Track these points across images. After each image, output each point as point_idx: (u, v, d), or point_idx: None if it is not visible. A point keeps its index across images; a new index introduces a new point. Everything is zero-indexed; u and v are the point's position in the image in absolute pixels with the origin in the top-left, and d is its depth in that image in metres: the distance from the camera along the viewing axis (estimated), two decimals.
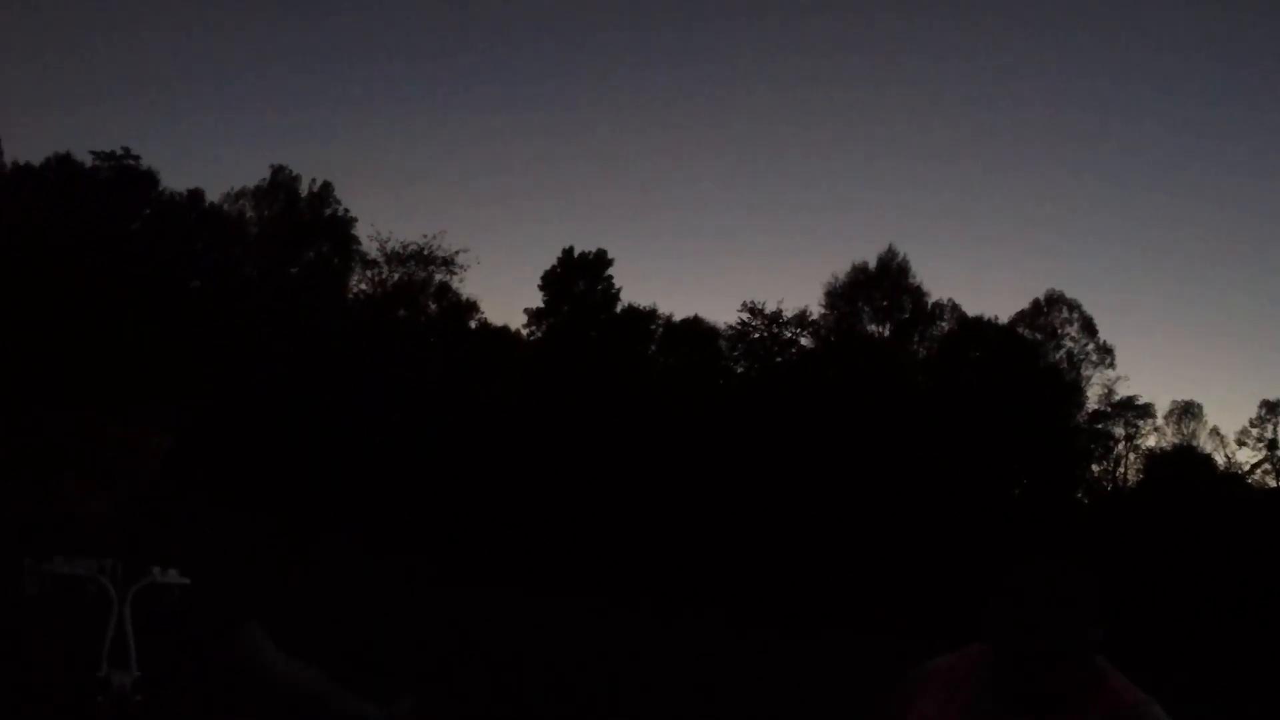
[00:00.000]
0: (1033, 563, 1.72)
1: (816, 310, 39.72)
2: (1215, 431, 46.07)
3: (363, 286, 38.81)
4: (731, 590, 29.04)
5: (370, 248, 38.71)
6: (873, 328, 39.91)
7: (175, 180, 50.62)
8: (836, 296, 39.65)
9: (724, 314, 68.99)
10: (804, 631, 23.03)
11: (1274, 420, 46.66)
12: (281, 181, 41.11)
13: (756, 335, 38.70)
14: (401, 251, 37.68)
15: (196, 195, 42.87)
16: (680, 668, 13.69)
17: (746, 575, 31.24)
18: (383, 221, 59.68)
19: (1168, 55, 66.80)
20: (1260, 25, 65.40)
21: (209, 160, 66.12)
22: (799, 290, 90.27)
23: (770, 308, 38.63)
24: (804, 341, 39.37)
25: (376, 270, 38.35)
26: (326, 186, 40.26)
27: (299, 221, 40.04)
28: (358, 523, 27.05)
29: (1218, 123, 67.60)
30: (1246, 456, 46.45)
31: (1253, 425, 46.40)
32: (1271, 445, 46.73)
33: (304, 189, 40.78)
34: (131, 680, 1.56)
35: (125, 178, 43.01)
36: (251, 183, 41.63)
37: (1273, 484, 46.59)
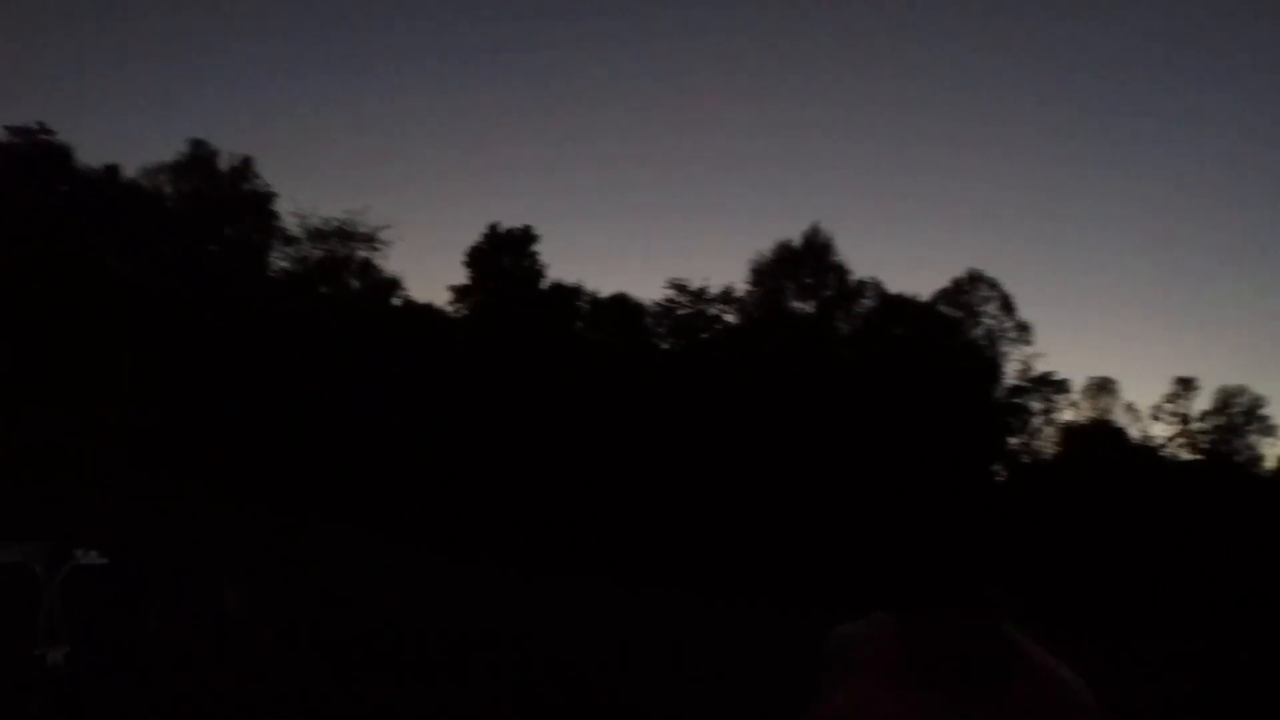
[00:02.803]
0: (951, 568, 1.68)
1: (742, 287, 40.12)
2: (1130, 407, 47.58)
3: (283, 264, 38.23)
4: (654, 562, 29.33)
5: (291, 224, 38.13)
6: (797, 304, 40.38)
7: (91, 156, 49.10)
8: (762, 274, 40.05)
9: (650, 291, 69.15)
10: (725, 605, 23.34)
11: (1187, 396, 48.34)
12: (200, 156, 40.24)
13: (682, 312, 38.95)
14: (324, 228, 37.18)
15: (113, 171, 41.81)
16: (563, 625, 13.84)
17: (665, 547, 31.55)
18: (304, 197, 58.62)
19: (1081, 35, 68.57)
20: (1172, 6, 67.29)
21: (126, 135, 64.38)
22: (725, 267, 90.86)
23: (696, 284, 38.95)
24: (729, 318, 39.75)
25: (298, 247, 37.79)
26: (246, 161, 39.52)
27: (218, 197, 39.26)
28: (289, 498, 26.85)
29: (1129, 104, 69.73)
30: (1160, 431, 48.09)
31: (1166, 401, 48.02)
32: (1184, 420, 48.41)
33: (223, 164, 39.97)
34: (62, 655, 1.61)
35: (40, 153, 41.77)
36: (169, 158, 40.72)
37: (1186, 457, 48.29)
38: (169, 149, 55.55)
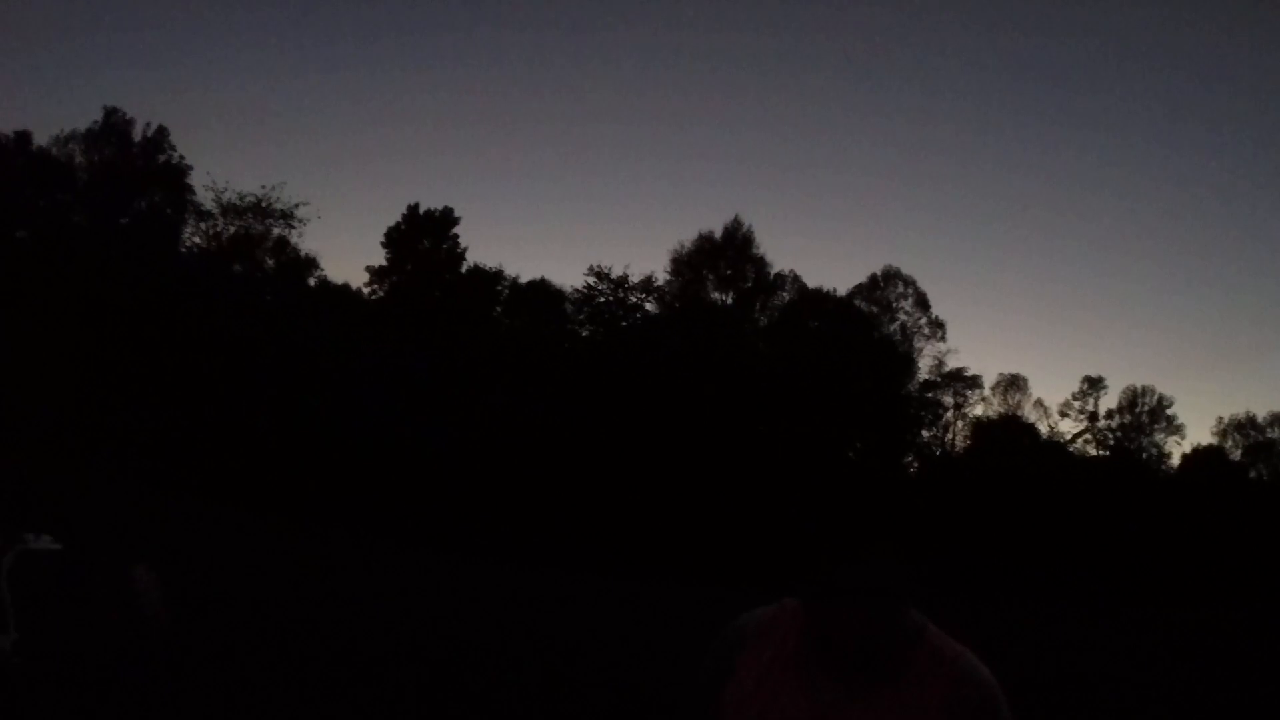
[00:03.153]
0: (850, 559, 1.65)
1: (662, 277, 40.43)
2: (1039, 403, 49.01)
3: (196, 239, 37.54)
4: (569, 548, 29.52)
5: (206, 198, 37.42)
6: (716, 295, 40.84)
7: (2, 121, 47.54)
8: (682, 264, 40.41)
9: (571, 277, 69.54)
10: (639, 588, 23.54)
11: (1095, 394, 49.90)
12: (114, 125, 39.32)
13: (602, 299, 39.10)
14: (239, 203, 36.51)
15: (24, 137, 40.65)
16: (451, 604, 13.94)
17: (581, 532, 31.77)
18: (220, 171, 56.96)
19: (998, 37, 69.95)
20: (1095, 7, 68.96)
21: (37, 100, 62.21)
22: (646, 257, 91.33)
23: (617, 272, 39.12)
24: (649, 307, 40.03)
25: (212, 222, 37.12)
26: (161, 131, 38.70)
27: (131, 168, 38.39)
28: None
29: (1042, 104, 71.42)
30: (1068, 427, 49.59)
31: (1075, 399, 49.55)
32: (1092, 417, 49.98)
33: (138, 134, 39.11)
34: (10, 643, 1.56)
35: None
36: (82, 126, 39.71)
37: (1093, 452, 49.91)
38: (83, 117, 54.09)
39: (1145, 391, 49.59)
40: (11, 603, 1.68)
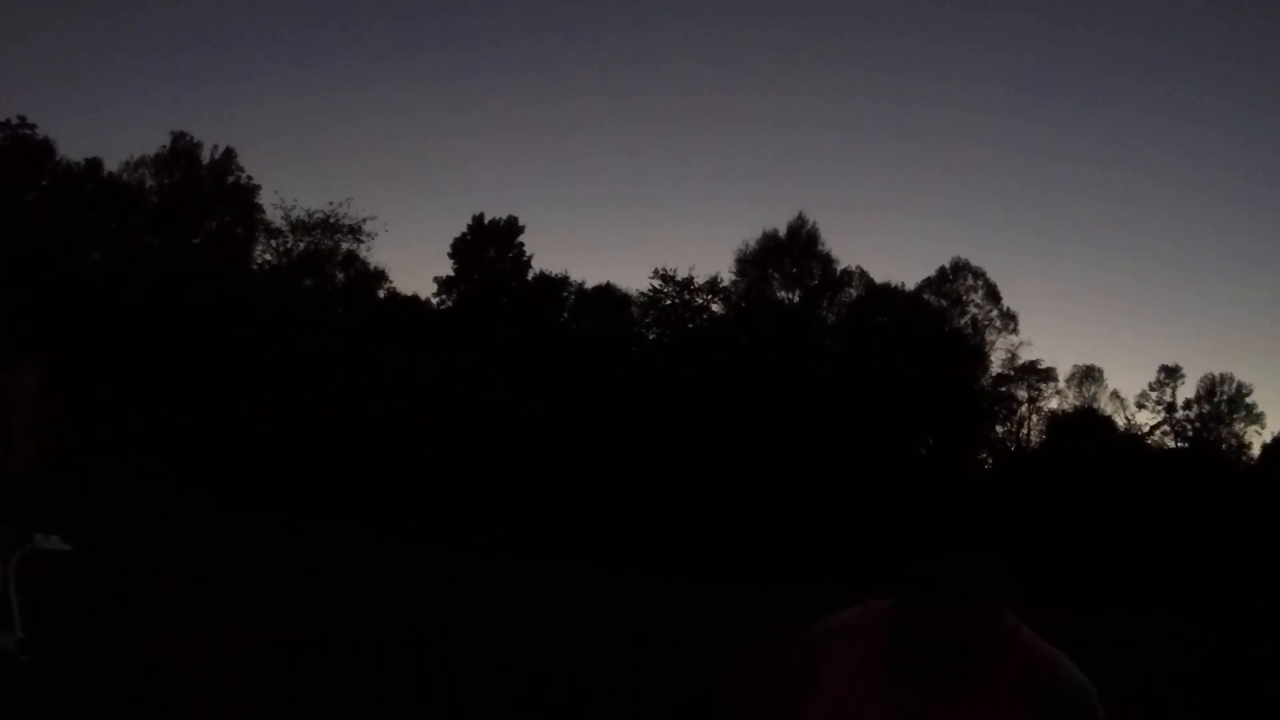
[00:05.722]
0: (943, 558, 1.63)
1: (727, 277, 40.15)
2: (1115, 395, 47.74)
3: (267, 256, 38.03)
4: (641, 551, 29.25)
5: (275, 216, 37.93)
6: (783, 294, 40.45)
7: (73, 149, 48.64)
8: (747, 263, 40.08)
9: (636, 281, 69.48)
10: (714, 593, 23.19)
11: (1172, 384, 48.48)
12: (182, 149, 40.04)
13: (668, 302, 38.94)
14: (307, 220, 36.96)
15: (95, 164, 41.61)
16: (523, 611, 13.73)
17: (652, 535, 31.50)
18: (287, 189, 58.32)
19: (1064, 27, 68.81)
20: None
21: (108, 128, 63.78)
22: (710, 257, 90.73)
23: (682, 275, 38.93)
24: (715, 308, 39.77)
25: (281, 239, 37.59)
26: (229, 153, 39.35)
27: (200, 190, 39.05)
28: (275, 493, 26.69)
29: (1114, 94, 69.98)
30: (1146, 419, 48.25)
31: (1152, 389, 48.18)
32: (1170, 408, 48.55)
33: (205, 156, 39.78)
34: (15, 642, 1.55)
35: (21, 148, 41.52)
36: (151, 151, 40.49)
37: (1171, 444, 48.45)
38: (151, 141, 55.35)
39: (1224, 379, 48.11)
40: (17, 602, 1.53)
